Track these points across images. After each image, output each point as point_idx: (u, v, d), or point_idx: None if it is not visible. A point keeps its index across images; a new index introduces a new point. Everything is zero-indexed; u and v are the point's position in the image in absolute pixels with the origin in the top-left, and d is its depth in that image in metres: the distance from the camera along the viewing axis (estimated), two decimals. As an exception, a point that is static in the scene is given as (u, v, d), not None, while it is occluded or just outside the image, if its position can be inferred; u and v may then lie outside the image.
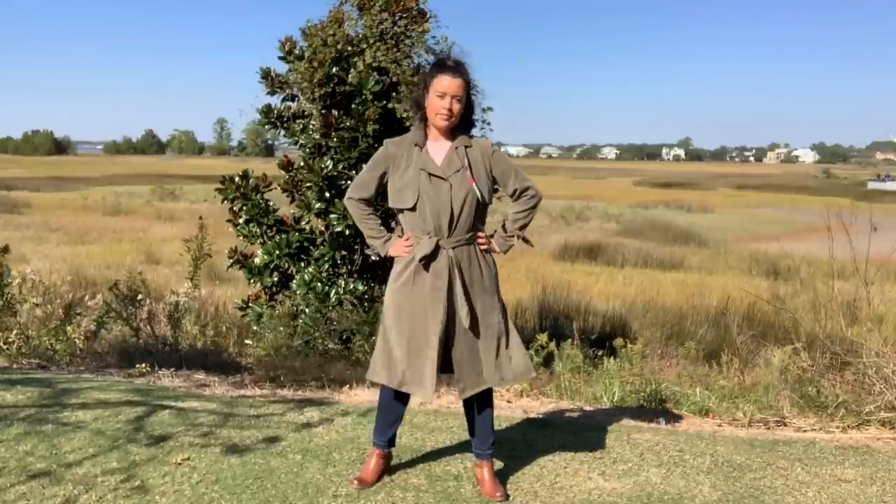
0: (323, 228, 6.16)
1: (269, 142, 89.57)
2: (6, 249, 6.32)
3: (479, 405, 3.02)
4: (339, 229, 5.93)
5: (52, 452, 3.32)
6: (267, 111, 6.33)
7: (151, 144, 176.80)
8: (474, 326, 2.91)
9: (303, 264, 6.13)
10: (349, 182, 5.68)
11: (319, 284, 5.99)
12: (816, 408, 4.47)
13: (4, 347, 5.72)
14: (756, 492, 3.21)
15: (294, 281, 6.09)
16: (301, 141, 6.20)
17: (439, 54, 6.14)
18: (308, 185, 6.08)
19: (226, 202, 6.26)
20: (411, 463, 3.34)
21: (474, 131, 3.07)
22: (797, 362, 4.91)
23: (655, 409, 4.65)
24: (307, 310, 5.90)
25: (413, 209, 2.86)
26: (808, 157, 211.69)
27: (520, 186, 3.00)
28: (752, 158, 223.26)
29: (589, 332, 7.14)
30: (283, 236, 6.11)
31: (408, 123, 5.70)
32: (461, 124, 2.93)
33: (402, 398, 3.07)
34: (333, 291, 5.97)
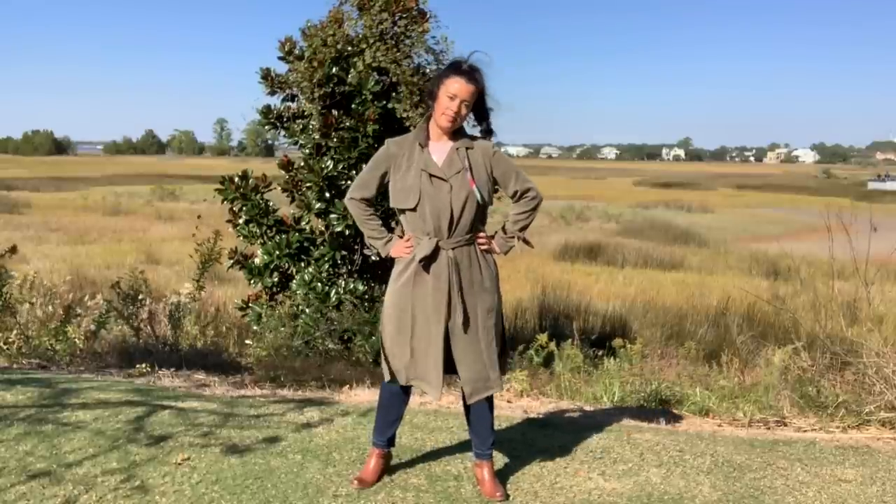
0: (323, 228, 6.16)
1: (269, 142, 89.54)
2: (14, 250, 6.30)
3: (479, 405, 3.02)
4: (339, 229, 5.94)
5: (53, 452, 3.32)
6: (267, 111, 6.34)
7: (151, 144, 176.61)
8: (474, 327, 2.91)
9: (303, 264, 6.13)
10: (349, 182, 5.68)
11: (319, 284, 6.00)
12: (816, 408, 4.47)
13: (4, 347, 5.72)
14: (756, 492, 3.21)
15: (294, 281, 6.10)
16: (301, 141, 6.21)
17: (439, 54, 6.10)
18: (308, 185, 6.08)
19: (225, 202, 6.27)
20: (411, 463, 3.34)
21: (475, 131, 3.06)
22: (797, 362, 4.91)
23: (655, 409, 4.65)
24: (307, 310, 5.90)
25: (414, 210, 2.86)
26: (808, 157, 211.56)
27: (521, 188, 3.00)
28: (752, 158, 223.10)
29: (589, 332, 7.15)
30: (283, 236, 6.11)
31: (408, 123, 5.70)
32: (470, 128, 2.92)
33: (402, 398, 3.06)
34: (333, 291, 5.97)
